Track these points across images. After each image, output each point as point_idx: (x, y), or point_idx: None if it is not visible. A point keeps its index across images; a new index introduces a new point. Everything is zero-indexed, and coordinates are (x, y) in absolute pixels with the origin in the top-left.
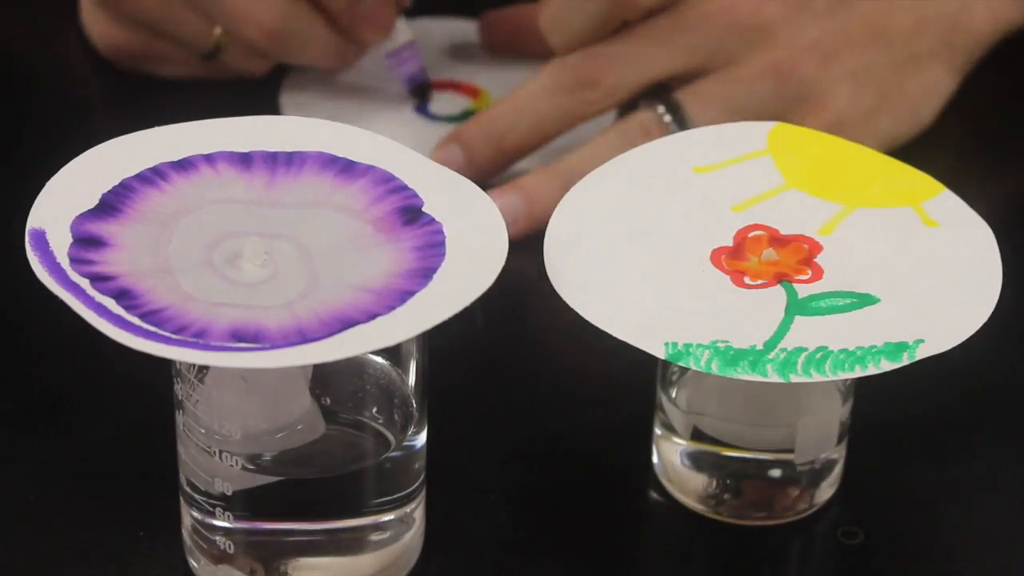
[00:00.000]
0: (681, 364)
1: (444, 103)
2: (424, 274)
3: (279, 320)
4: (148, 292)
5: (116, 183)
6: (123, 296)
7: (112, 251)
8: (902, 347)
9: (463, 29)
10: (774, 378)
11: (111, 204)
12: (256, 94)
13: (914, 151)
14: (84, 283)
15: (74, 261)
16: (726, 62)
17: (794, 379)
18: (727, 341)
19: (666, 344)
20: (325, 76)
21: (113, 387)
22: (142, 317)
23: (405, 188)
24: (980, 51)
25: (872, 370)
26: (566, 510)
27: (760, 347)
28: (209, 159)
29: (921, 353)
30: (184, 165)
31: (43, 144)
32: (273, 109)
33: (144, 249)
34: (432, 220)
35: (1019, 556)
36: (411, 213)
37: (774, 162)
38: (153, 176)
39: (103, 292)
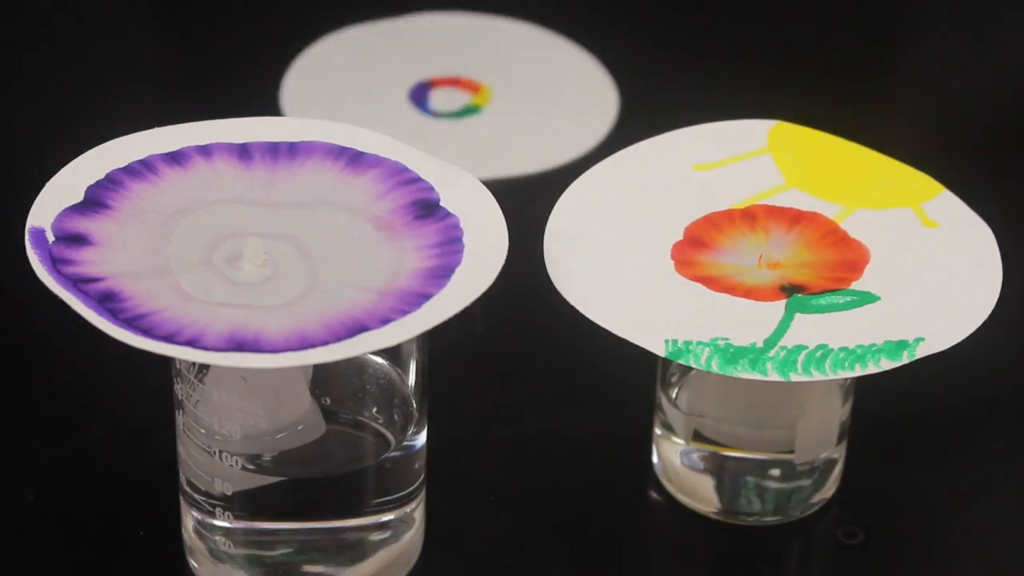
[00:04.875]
0: (681, 362)
1: (444, 99)
2: (440, 273)
3: (279, 321)
4: (136, 295)
5: (101, 177)
6: (108, 299)
7: (98, 250)
8: (902, 345)
9: (465, 24)
10: (774, 376)
11: (98, 200)
12: (256, 90)
13: (914, 151)
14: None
15: (58, 261)
16: None
17: (794, 378)
18: (727, 339)
19: (666, 342)
20: (325, 72)
21: (113, 387)
22: (127, 322)
23: (419, 180)
24: None
25: (872, 369)
26: (566, 510)
27: (760, 345)
28: (204, 151)
29: (921, 351)
30: (177, 158)
31: (45, 145)
32: (273, 104)
33: (140, 248)
34: (449, 214)
35: (1019, 556)
36: (427, 207)
37: (774, 161)
38: (143, 169)
39: (87, 294)
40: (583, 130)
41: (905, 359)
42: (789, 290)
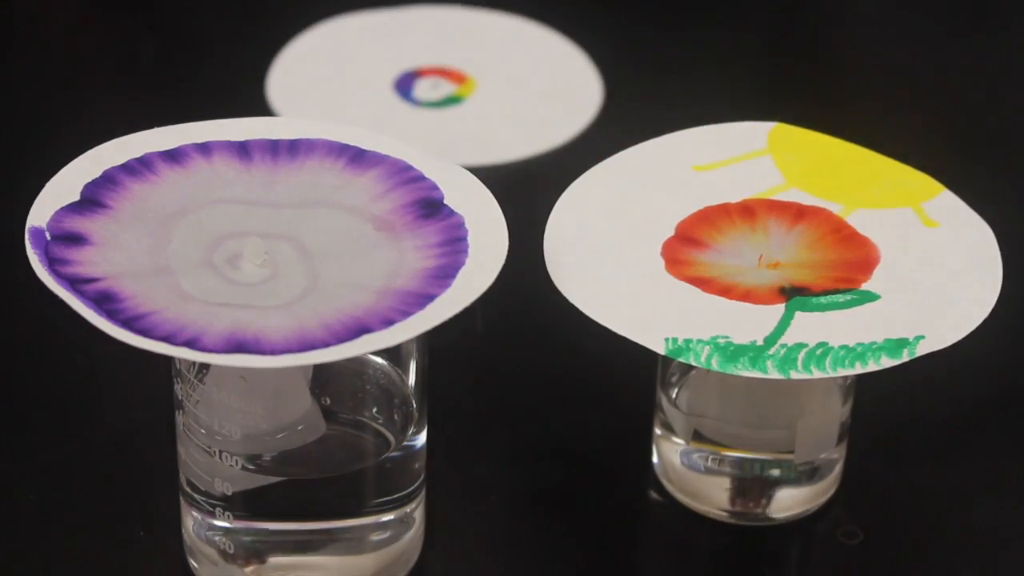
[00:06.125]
0: (681, 360)
1: (429, 89)
2: (442, 273)
3: (279, 321)
4: (134, 296)
5: (98, 175)
6: (105, 300)
7: (96, 250)
8: (902, 343)
9: (453, 16)
10: (774, 374)
11: (96, 200)
12: (244, 81)
13: (914, 151)
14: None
15: (54, 261)
16: None
17: (794, 375)
18: (727, 337)
19: (666, 340)
20: (316, 57)
21: (113, 387)
22: (124, 324)
23: (422, 179)
24: None
25: (872, 366)
26: (566, 510)
27: (760, 343)
28: (203, 149)
29: (922, 349)
30: (176, 156)
31: (46, 145)
32: (260, 94)
33: (139, 248)
34: (453, 213)
35: (1019, 556)
36: (431, 206)
37: (774, 162)
38: (141, 168)
39: (84, 294)
40: (561, 123)
41: (905, 357)
42: (790, 292)
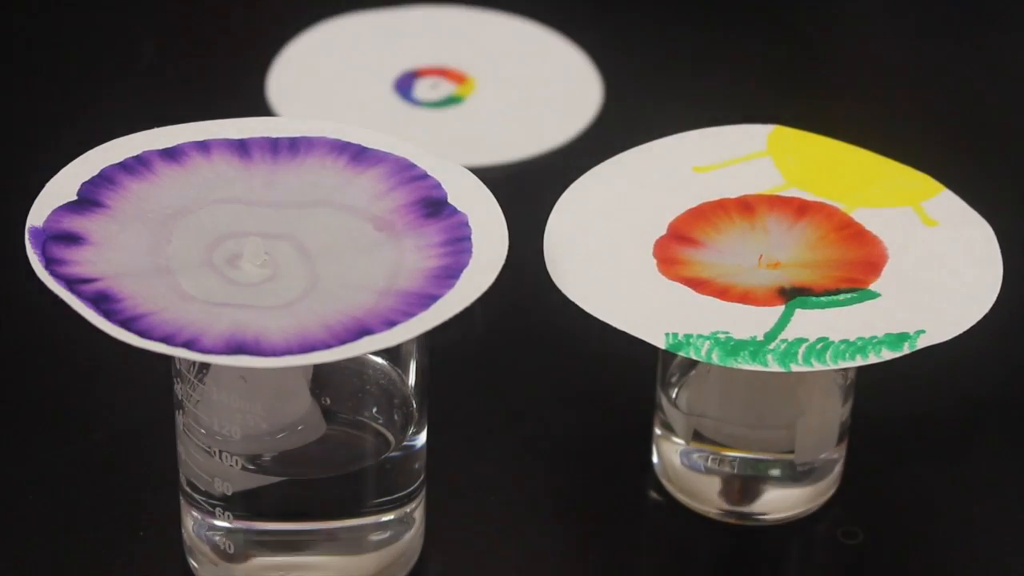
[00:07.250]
0: (681, 354)
1: (429, 89)
2: (444, 273)
3: (279, 321)
4: (132, 296)
5: (95, 174)
6: (102, 301)
7: (94, 250)
8: (903, 337)
9: (453, 16)
10: (775, 368)
11: (94, 199)
12: (244, 81)
13: (914, 151)
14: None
15: (51, 261)
16: None
17: (795, 368)
18: (727, 332)
19: (666, 335)
20: (312, 61)
21: (113, 387)
22: (122, 324)
23: (425, 177)
24: None
25: (873, 359)
26: (566, 510)
27: (761, 338)
28: (203, 147)
29: (922, 343)
30: (174, 154)
31: (45, 147)
32: (260, 94)
33: (138, 248)
34: (456, 211)
35: (1019, 556)
36: (434, 204)
37: (774, 163)
38: (139, 166)
39: (80, 295)
40: (561, 123)
41: (906, 350)
42: (790, 293)
